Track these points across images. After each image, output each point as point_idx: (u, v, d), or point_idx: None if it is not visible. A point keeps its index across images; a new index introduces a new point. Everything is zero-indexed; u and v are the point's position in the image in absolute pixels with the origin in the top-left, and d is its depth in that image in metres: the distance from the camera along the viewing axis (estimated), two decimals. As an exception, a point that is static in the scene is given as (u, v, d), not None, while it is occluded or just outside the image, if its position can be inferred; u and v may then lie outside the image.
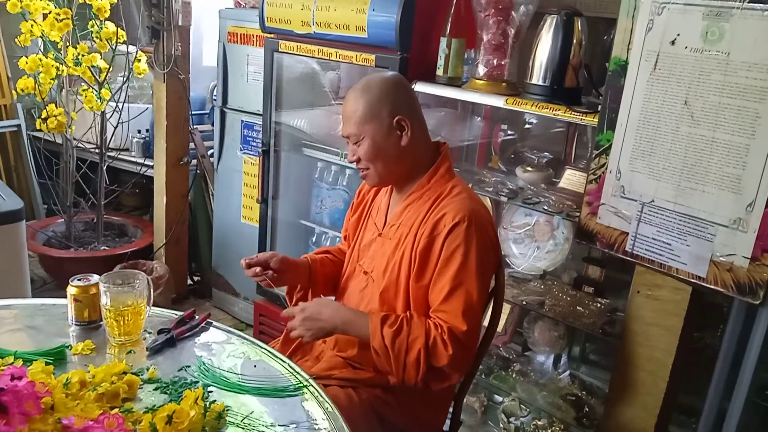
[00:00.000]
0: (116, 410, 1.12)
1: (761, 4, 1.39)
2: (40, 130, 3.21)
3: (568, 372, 2.33)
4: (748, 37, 1.42)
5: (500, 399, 2.36)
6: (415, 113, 1.56)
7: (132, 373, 1.23)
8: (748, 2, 1.41)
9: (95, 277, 1.42)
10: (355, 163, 1.57)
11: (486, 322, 1.71)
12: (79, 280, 1.42)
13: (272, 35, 2.60)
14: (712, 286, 1.54)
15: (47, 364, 1.22)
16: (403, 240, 1.55)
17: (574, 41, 1.92)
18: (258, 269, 1.59)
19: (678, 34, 1.53)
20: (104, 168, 3.33)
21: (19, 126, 3.90)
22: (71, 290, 1.41)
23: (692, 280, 1.58)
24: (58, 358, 1.30)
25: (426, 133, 1.60)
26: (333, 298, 1.75)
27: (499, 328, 2.32)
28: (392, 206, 1.64)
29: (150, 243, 3.44)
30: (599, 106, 1.74)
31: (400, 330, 1.43)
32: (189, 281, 3.59)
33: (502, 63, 2.09)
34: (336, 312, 1.52)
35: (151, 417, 1.08)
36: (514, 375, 2.33)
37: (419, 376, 1.44)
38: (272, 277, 1.60)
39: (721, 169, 1.49)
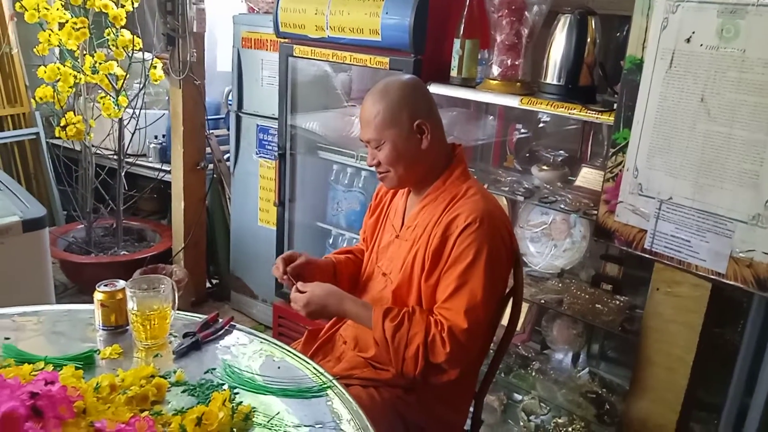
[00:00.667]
0: (146, 413, 1.14)
1: (777, 0, 1.39)
2: (59, 138, 3.26)
3: (587, 369, 2.33)
4: (764, 34, 1.42)
5: (520, 397, 2.36)
6: (434, 116, 1.57)
7: (160, 377, 1.25)
8: (764, -2, 1.41)
9: (121, 283, 1.44)
10: (374, 166, 1.59)
11: (505, 321, 1.72)
12: (105, 285, 1.44)
13: (286, 40, 2.63)
14: (732, 282, 1.54)
15: (77, 368, 1.24)
16: (417, 240, 1.56)
17: (588, 40, 1.93)
18: (286, 277, 1.62)
19: (693, 32, 1.53)
20: (123, 174, 3.37)
21: (38, 134, 3.96)
22: (98, 296, 1.43)
23: (712, 277, 1.58)
24: (87, 362, 1.33)
25: (443, 134, 1.62)
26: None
27: (518, 327, 2.33)
28: (409, 208, 1.65)
29: (168, 247, 3.48)
30: (615, 105, 1.74)
31: (400, 324, 1.48)
32: (207, 284, 3.63)
33: (516, 63, 2.10)
34: (340, 304, 1.56)
35: (180, 419, 1.11)
36: (533, 373, 2.34)
37: (417, 370, 1.48)
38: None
39: (738, 166, 1.49)
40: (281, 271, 1.63)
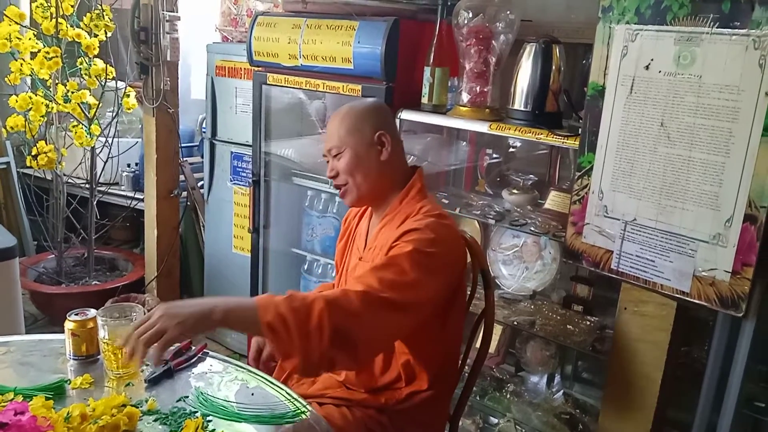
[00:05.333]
0: (117, 442, 1.13)
1: (729, 30, 1.46)
2: (30, 167, 3.23)
3: (561, 391, 2.36)
4: (719, 61, 1.48)
5: (496, 420, 2.37)
6: (395, 135, 1.61)
7: (131, 405, 1.25)
8: (717, 27, 1.48)
9: (92, 311, 1.43)
10: (333, 179, 1.60)
11: (477, 344, 1.74)
12: (76, 314, 1.43)
13: (260, 68, 2.66)
14: (696, 301, 1.58)
15: (47, 399, 1.23)
16: (374, 261, 1.56)
17: (553, 67, 1.99)
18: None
19: (652, 59, 1.59)
20: (95, 203, 3.34)
21: (8, 163, 3.92)
22: (69, 325, 1.42)
23: (676, 295, 1.62)
24: (57, 392, 1.32)
25: (403, 157, 1.64)
26: None
27: (492, 349, 2.35)
28: (371, 230, 1.67)
29: (141, 276, 3.45)
30: (580, 130, 1.80)
31: (293, 297, 1.26)
32: (181, 313, 3.58)
33: (485, 90, 2.15)
34: (212, 298, 1.28)
35: (152, 447, 1.10)
36: (508, 396, 2.35)
37: (324, 343, 1.22)
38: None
39: (698, 187, 1.54)
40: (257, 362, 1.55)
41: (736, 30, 1.45)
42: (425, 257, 1.40)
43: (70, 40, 2.96)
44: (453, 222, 1.57)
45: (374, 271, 1.36)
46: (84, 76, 3.01)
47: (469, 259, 1.66)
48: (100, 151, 3.32)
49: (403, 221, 1.54)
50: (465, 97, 2.17)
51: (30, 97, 2.94)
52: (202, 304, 1.22)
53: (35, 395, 1.26)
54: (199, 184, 3.43)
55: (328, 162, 1.61)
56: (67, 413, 1.17)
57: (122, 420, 1.19)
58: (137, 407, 1.26)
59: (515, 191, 2.29)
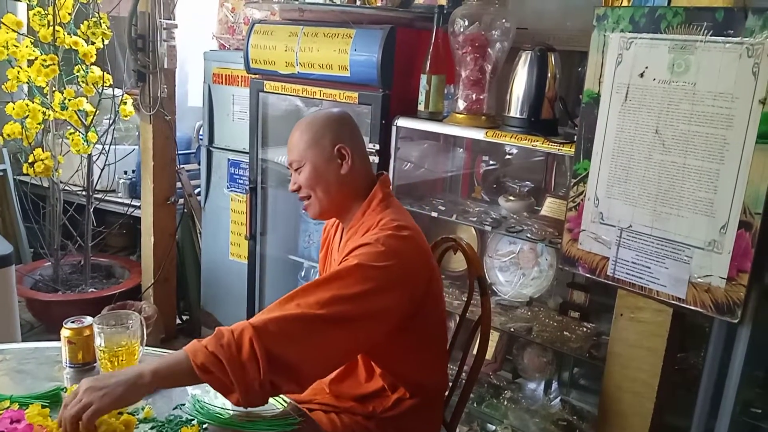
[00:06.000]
0: (113, 450, 1.13)
1: (722, 38, 1.47)
2: (27, 174, 3.23)
3: (558, 397, 2.36)
4: (713, 69, 1.49)
5: (493, 427, 2.37)
6: (357, 146, 1.57)
7: (128, 413, 1.24)
8: (711, 36, 1.49)
9: (89, 319, 1.43)
10: (296, 191, 1.58)
11: (474, 351, 1.74)
12: (72, 322, 1.43)
13: (257, 76, 2.66)
14: (692, 307, 1.59)
15: (43, 407, 1.23)
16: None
17: (549, 75, 2.00)
18: None
19: (646, 67, 1.60)
20: (91, 210, 3.34)
21: (5, 171, 3.92)
22: (65, 332, 1.42)
23: (672, 302, 1.63)
24: (53, 401, 1.31)
25: (368, 167, 1.61)
26: None
27: (489, 356, 2.35)
28: (342, 241, 1.67)
29: (138, 283, 3.44)
30: (575, 137, 1.80)
31: (220, 333, 1.24)
32: (178, 320, 3.59)
33: (481, 97, 2.16)
34: (139, 365, 1.32)
35: (148, 455, 1.10)
36: (505, 402, 2.35)
37: (262, 370, 1.22)
38: None
39: (693, 194, 1.55)
40: None
41: (730, 38, 1.46)
42: (371, 270, 1.36)
43: (67, 47, 2.96)
44: (415, 234, 1.49)
45: (311, 288, 1.34)
46: (81, 83, 3.01)
47: (464, 267, 1.66)
48: (97, 159, 3.32)
49: (364, 234, 1.49)
50: (461, 104, 2.18)
51: (27, 105, 2.94)
52: (127, 372, 1.22)
53: (31, 403, 1.25)
54: (196, 191, 3.43)
55: (291, 174, 1.59)
56: (63, 421, 1.17)
57: (118, 428, 1.19)
58: (134, 415, 1.25)
59: (511, 198, 2.30)
